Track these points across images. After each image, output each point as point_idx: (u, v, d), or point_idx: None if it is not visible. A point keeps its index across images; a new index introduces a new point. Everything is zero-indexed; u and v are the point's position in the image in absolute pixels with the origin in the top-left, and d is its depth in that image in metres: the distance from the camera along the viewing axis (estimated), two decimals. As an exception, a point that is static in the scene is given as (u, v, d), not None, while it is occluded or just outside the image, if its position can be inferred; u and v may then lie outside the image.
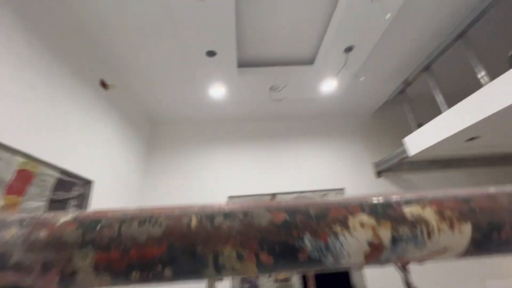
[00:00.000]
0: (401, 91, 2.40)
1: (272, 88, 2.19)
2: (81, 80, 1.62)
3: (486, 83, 1.55)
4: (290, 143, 2.87)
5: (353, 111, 2.98)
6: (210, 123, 2.89)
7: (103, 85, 1.96)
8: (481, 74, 1.61)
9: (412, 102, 2.44)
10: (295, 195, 2.72)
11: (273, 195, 2.70)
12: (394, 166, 2.68)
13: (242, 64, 2.04)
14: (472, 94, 1.58)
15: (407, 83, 2.28)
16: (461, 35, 1.72)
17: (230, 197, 2.63)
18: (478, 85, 1.61)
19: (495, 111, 1.45)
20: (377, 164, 2.83)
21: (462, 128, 1.68)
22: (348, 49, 1.83)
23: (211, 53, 1.77)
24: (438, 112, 1.91)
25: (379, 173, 2.83)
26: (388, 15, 1.47)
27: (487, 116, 1.50)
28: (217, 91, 2.19)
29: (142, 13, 1.52)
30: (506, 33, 1.68)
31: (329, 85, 2.22)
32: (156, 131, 2.87)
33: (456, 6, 1.72)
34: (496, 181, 2.85)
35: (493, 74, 1.54)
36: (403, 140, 2.28)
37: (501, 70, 1.54)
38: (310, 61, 2.09)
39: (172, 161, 2.75)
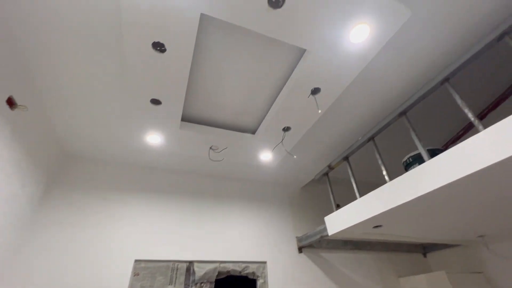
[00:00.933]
0: (326, 173, 2.70)
1: (212, 148, 2.18)
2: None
3: (387, 181, 1.88)
4: (218, 205, 2.74)
5: (284, 182, 3.16)
6: (135, 169, 2.59)
7: (10, 103, 1.64)
8: (384, 173, 1.97)
9: (334, 184, 2.75)
10: (215, 264, 2.47)
11: (190, 262, 2.39)
12: (315, 243, 2.79)
13: (186, 118, 2.03)
14: (377, 189, 1.88)
15: (330, 167, 2.61)
16: (370, 139, 2.14)
17: (137, 261, 2.21)
18: (384, 180, 1.94)
19: (393, 206, 1.73)
20: (299, 239, 2.90)
21: (369, 217, 1.91)
22: (286, 129, 2.03)
23: (156, 101, 1.72)
24: (354, 197, 2.18)
25: (300, 249, 2.88)
26: (320, 111, 1.74)
27: (387, 209, 1.77)
28: (154, 138, 2.06)
29: (84, 37, 1.43)
30: (404, 142, 2.14)
31: (266, 156, 2.34)
32: (67, 164, 2.40)
33: (366, 115, 2.17)
34: (399, 266, 3.20)
35: (393, 173, 1.89)
36: (324, 218, 2.45)
37: (399, 171, 1.92)
38: (252, 131, 2.22)
39: (75, 204, 2.25)
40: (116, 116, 1.93)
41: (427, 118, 2.29)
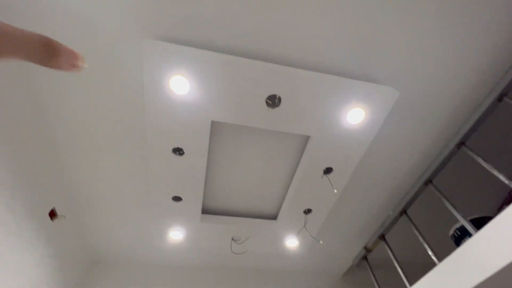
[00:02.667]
0: (364, 257, 2.38)
1: (234, 239, 2.11)
2: (31, 207, 1.51)
3: (436, 262, 1.60)
4: (248, 307, 2.43)
5: (320, 271, 2.79)
6: (161, 270, 2.51)
7: (52, 214, 1.82)
8: (430, 252, 1.69)
9: (377, 267, 2.37)
10: None
11: None
12: None
13: (206, 211, 2.06)
14: (428, 274, 1.58)
15: (367, 250, 2.31)
16: (402, 212, 1.96)
17: None
18: (429, 258, 1.65)
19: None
20: None
21: (429, 314, 1.54)
22: (307, 211, 1.96)
23: (177, 198, 1.82)
24: (403, 283, 1.83)
25: None
26: (336, 191, 1.70)
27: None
28: (176, 234, 2.07)
29: (113, 156, 1.67)
30: (442, 212, 1.92)
31: (291, 242, 2.19)
32: (95, 272, 2.40)
33: (394, 187, 2.06)
34: None
35: (438, 250, 1.61)
36: (375, 317, 2.01)
37: (444, 247, 1.64)
38: (273, 217, 2.16)
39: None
40: (140, 216, 2.03)
41: (469, 179, 2.11)
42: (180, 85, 1.28)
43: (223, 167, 1.83)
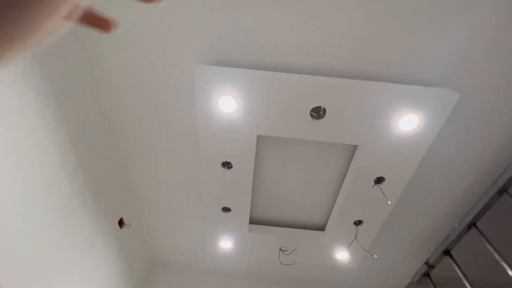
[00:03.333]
0: (426, 274, 2.16)
1: (281, 249, 2.11)
2: (103, 216, 1.76)
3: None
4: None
5: (375, 287, 2.61)
6: (212, 277, 2.63)
7: (120, 223, 2.07)
8: (510, 272, 1.46)
9: (441, 285, 2.12)
10: None
11: None
12: None
13: (254, 221, 2.11)
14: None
15: (429, 266, 2.09)
16: (471, 225, 1.74)
17: None
18: (501, 271, 1.42)
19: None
20: None
21: None
22: (358, 223, 1.87)
23: (226, 209, 1.91)
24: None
25: None
26: (390, 202, 1.60)
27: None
28: (226, 244, 2.16)
29: (170, 169, 1.83)
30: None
31: (342, 255, 2.10)
32: (153, 275, 2.64)
33: (460, 197, 1.85)
34: None
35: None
36: None
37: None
38: (321, 228, 2.11)
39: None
40: (194, 225, 2.18)
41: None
42: (228, 103, 1.37)
43: (270, 179, 1.87)
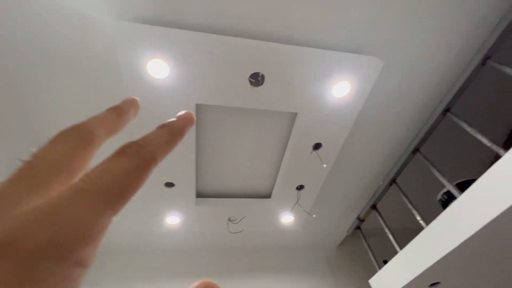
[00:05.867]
0: (357, 227, 2.47)
1: (230, 220, 2.16)
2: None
3: (424, 227, 1.67)
4: (248, 281, 2.53)
5: (317, 245, 2.90)
6: (162, 256, 2.57)
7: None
8: (418, 218, 1.76)
9: (372, 236, 2.47)
10: None
11: None
12: (368, 315, 2.34)
13: (201, 194, 2.09)
14: (415, 238, 1.66)
15: (360, 220, 2.40)
16: (392, 182, 2.01)
17: None
18: (419, 224, 1.72)
19: (438, 257, 1.48)
20: (349, 312, 2.47)
21: (416, 275, 1.63)
22: (300, 188, 2.00)
23: (169, 184, 1.82)
24: (394, 248, 1.92)
25: (353, 325, 2.42)
26: (325, 165, 1.73)
27: (434, 262, 1.51)
28: (173, 219, 2.10)
29: (103, 146, 1.65)
30: (430, 178, 1.97)
31: (287, 218, 2.25)
32: (97, 262, 2.47)
33: (384, 158, 2.09)
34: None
35: (427, 216, 1.68)
36: (369, 282, 2.12)
37: (433, 212, 1.71)
38: (267, 195, 2.20)
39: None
40: (135, 203, 2.05)
41: (456, 145, 2.15)
42: (159, 68, 1.24)
43: (214, 150, 1.83)
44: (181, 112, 0.23)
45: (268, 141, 1.83)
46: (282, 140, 1.82)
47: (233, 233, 2.19)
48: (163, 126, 0.23)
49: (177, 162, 1.67)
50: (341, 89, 1.43)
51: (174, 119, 0.23)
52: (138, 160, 0.19)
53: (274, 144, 1.85)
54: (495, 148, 1.30)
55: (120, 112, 0.23)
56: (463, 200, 1.36)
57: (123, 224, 2.26)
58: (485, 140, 1.36)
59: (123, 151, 0.18)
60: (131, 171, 0.18)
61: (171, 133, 0.23)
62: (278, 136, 1.80)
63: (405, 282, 1.76)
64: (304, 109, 1.51)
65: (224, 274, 2.53)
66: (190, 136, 1.54)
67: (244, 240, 2.58)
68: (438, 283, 1.80)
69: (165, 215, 2.06)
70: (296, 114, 1.64)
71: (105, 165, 0.17)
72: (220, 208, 2.09)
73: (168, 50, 1.19)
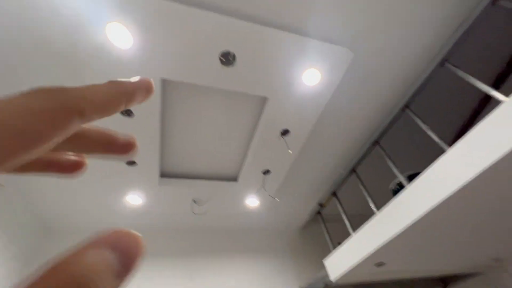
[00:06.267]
0: (318, 212, 2.61)
1: (195, 201, 2.14)
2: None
3: (375, 213, 1.82)
4: (210, 261, 2.56)
5: (280, 228, 3.02)
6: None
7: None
8: (371, 204, 1.91)
9: (332, 221, 2.64)
10: (212, 334, 2.21)
11: (183, 335, 2.13)
12: (321, 292, 2.54)
13: (165, 174, 2.03)
14: (366, 223, 1.80)
15: (321, 205, 2.53)
16: (352, 171, 2.14)
17: None
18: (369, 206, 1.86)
19: (385, 240, 1.63)
20: (304, 289, 2.65)
21: (365, 255, 1.78)
22: (266, 172, 2.03)
23: (131, 163, 1.74)
24: (349, 234, 2.06)
25: (307, 301, 2.60)
26: (290, 152, 1.77)
27: (381, 244, 1.67)
28: (135, 199, 2.03)
29: None
30: (387, 169, 2.12)
31: (252, 202, 2.29)
32: (50, 240, 2.31)
33: (347, 148, 2.20)
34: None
35: (382, 204, 1.83)
36: (323, 261, 2.28)
37: (387, 200, 1.86)
38: (234, 178, 2.22)
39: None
40: (93, 181, 1.93)
41: (412, 139, 2.32)
42: (121, 36, 1.14)
43: (181, 130, 1.77)
44: (138, 77, 0.19)
45: (237, 124, 1.81)
46: (251, 124, 1.82)
47: (197, 214, 2.19)
48: (111, 83, 0.18)
49: (139, 140, 1.59)
50: (311, 77, 1.44)
51: (127, 79, 0.19)
52: (59, 105, 0.16)
53: (243, 127, 1.84)
54: (442, 144, 1.42)
55: (122, 92, 0.18)
56: (409, 190, 1.49)
57: (81, 203, 2.14)
58: (435, 137, 1.48)
59: (48, 91, 0.15)
60: (44, 114, 0.15)
61: (115, 92, 0.19)
62: (247, 120, 1.80)
63: (354, 262, 1.92)
64: (274, 94, 1.51)
65: (188, 254, 2.53)
66: (154, 113, 1.47)
67: (209, 222, 2.60)
68: (383, 263, 1.99)
69: (127, 194, 1.98)
70: (266, 98, 1.64)
71: (21, 100, 0.14)
72: (185, 189, 2.06)
73: (131, 14, 1.10)
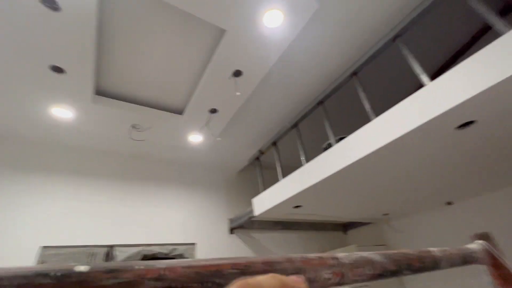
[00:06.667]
0: (257, 158, 2.81)
1: (134, 127, 2.06)
2: None
3: (303, 165, 2.05)
4: (145, 187, 2.63)
5: (220, 166, 3.18)
6: (47, 149, 2.31)
7: None
8: (302, 158, 2.13)
9: (267, 168, 2.88)
10: (139, 248, 2.40)
11: (110, 247, 2.27)
12: (246, 224, 2.91)
13: (102, 92, 1.86)
14: (293, 172, 2.03)
15: (261, 152, 2.71)
16: (294, 125, 2.28)
17: (45, 248, 2.00)
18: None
19: (303, 188, 1.89)
20: (231, 221, 2.99)
21: (287, 198, 2.06)
22: (213, 111, 2.02)
23: (58, 69, 1.53)
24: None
25: (231, 230, 2.97)
26: (238, 94, 1.77)
27: (300, 191, 1.93)
28: (63, 112, 1.85)
29: None
30: (323, 130, 2.32)
31: (195, 138, 2.31)
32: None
33: (295, 104, 2.29)
34: (323, 242, 3.56)
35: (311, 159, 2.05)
36: (252, 200, 2.55)
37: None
38: (180, 111, 2.16)
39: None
40: (14, 84, 1.66)
41: (353, 105, 2.50)
42: None
43: (126, 47, 1.56)
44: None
45: (191, 54, 1.68)
46: (205, 57, 1.71)
47: (135, 140, 2.13)
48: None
49: (68, 43, 1.37)
50: (273, 18, 1.38)
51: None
52: None
53: (196, 59, 1.72)
54: (370, 114, 1.60)
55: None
56: (331, 150, 1.69)
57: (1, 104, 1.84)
58: (367, 106, 1.64)
59: None
60: None
61: None
62: (202, 52, 1.68)
63: (277, 202, 2.21)
64: (233, 29, 1.41)
65: (120, 177, 2.52)
66: (86, 11, 1.24)
67: (149, 150, 2.57)
68: (300, 206, 2.34)
69: (52, 105, 1.77)
70: (224, 31, 1.53)
71: None
72: (125, 113, 1.94)
73: None
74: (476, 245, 0.57)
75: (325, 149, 2.26)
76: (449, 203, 2.79)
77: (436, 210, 2.94)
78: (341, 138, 2.02)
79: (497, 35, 1.11)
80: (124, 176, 2.53)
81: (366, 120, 1.64)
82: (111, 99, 1.89)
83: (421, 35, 2.01)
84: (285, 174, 2.31)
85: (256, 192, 3.28)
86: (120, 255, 2.31)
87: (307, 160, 2.06)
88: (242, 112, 2.19)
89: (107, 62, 1.66)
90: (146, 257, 2.45)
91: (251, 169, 3.45)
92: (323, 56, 1.82)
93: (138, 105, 1.98)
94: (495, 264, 0.55)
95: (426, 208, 2.95)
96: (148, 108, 2.02)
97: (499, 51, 1.04)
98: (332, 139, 1.92)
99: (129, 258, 2.35)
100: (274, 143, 2.52)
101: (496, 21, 1.16)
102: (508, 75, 0.99)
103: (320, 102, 2.04)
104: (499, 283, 0.54)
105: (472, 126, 1.29)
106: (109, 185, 2.42)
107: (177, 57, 1.70)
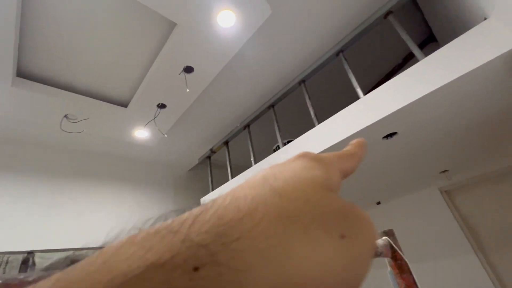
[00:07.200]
0: (208, 157, 2.76)
1: (67, 117, 1.83)
2: None
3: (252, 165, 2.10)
4: (78, 184, 2.33)
5: (168, 164, 3.04)
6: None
7: None
8: (251, 158, 2.17)
9: (219, 168, 2.85)
10: (67, 253, 2.14)
11: (29, 253, 1.98)
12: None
13: (26, 75, 1.61)
14: (243, 172, 2.06)
15: (212, 151, 2.68)
16: (246, 126, 2.32)
17: None
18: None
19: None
20: (178, 221, 2.88)
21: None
22: (161, 106, 1.93)
23: (-34, 42, 1.27)
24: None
25: (178, 230, 2.87)
26: (188, 90, 1.73)
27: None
28: (-27, 94, 1.55)
29: None
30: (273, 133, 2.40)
31: (141, 133, 2.17)
32: None
33: (247, 105, 2.32)
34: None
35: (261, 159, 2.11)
36: (201, 200, 2.50)
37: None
38: (124, 104, 2.00)
39: None
40: None
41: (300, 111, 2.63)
42: None
43: (62, 26, 1.38)
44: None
45: (140, 44, 1.57)
46: (155, 50, 1.61)
47: (67, 132, 1.90)
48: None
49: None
50: (227, 18, 1.38)
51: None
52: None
53: (145, 50, 1.61)
54: (314, 120, 1.72)
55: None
56: (279, 153, 1.78)
57: None
58: (312, 113, 1.75)
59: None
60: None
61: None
62: (152, 44, 1.58)
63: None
64: (185, 23, 1.37)
65: (46, 172, 2.21)
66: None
67: (87, 144, 2.31)
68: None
69: (-44, 83, 1.47)
70: (175, 25, 1.47)
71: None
72: (56, 100, 1.71)
73: None
74: (382, 241, 0.67)
75: (274, 150, 2.36)
76: (378, 203, 3.17)
77: (368, 209, 3.31)
78: (289, 141, 2.13)
79: (416, 61, 1.31)
80: (51, 171, 2.22)
81: (311, 125, 1.76)
82: (39, 84, 1.64)
83: (365, 51, 2.23)
84: (235, 174, 2.32)
85: (205, 191, 3.23)
86: (41, 262, 2.02)
87: (256, 161, 2.11)
88: (194, 110, 2.13)
89: (34, 39, 1.45)
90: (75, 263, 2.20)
91: (203, 168, 3.38)
92: (275, 61, 1.90)
93: (73, 93, 1.77)
94: (394, 257, 0.65)
95: (361, 207, 3.28)
96: (85, 97, 1.82)
97: (415, 74, 1.22)
98: (280, 142, 2.00)
99: (53, 265, 2.08)
100: (226, 143, 2.51)
101: (415, 49, 1.36)
102: (421, 95, 1.17)
103: (271, 106, 2.12)
104: (396, 272, 0.64)
105: (395, 137, 1.48)
106: (36, 181, 2.10)
107: (124, 45, 1.58)
